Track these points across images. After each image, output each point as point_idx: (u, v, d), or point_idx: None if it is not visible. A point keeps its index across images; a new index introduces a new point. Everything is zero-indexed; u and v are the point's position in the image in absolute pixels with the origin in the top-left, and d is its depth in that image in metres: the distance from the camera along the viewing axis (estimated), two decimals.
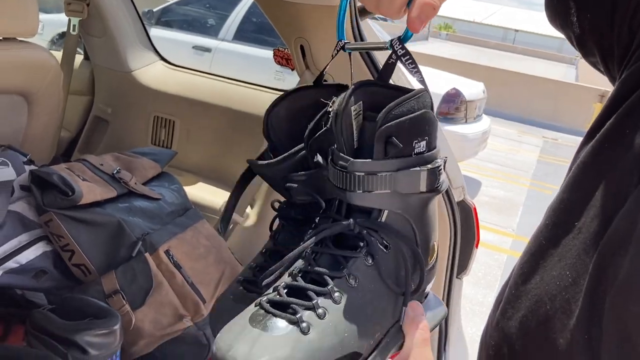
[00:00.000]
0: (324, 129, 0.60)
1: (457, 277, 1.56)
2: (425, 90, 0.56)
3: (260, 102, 1.77)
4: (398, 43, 0.57)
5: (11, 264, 1.15)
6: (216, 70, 2.04)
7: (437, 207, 1.41)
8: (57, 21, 3.44)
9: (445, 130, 4.66)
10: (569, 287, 0.54)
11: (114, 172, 1.34)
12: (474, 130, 5.35)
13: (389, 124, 0.53)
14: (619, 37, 0.58)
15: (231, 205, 0.74)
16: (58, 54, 1.87)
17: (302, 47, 1.37)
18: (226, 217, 0.74)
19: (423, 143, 0.56)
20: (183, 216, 1.37)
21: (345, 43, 0.62)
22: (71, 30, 1.89)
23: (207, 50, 5.47)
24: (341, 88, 0.66)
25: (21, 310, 1.17)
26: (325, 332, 0.53)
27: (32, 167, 1.29)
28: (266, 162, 0.68)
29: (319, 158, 0.59)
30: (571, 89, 10.14)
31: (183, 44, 5.45)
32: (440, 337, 1.56)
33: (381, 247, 0.57)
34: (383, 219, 0.57)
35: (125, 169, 1.39)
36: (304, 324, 0.52)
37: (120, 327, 0.98)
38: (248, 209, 1.64)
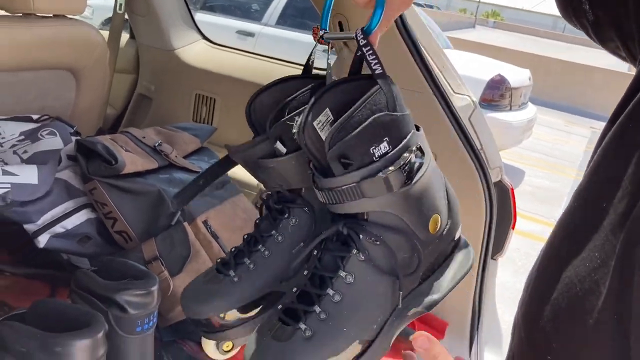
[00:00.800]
0: (286, 117, 0.64)
1: (492, 258, 1.55)
2: (381, 87, 0.58)
3: None
4: (360, 33, 0.59)
5: (58, 228, 1.21)
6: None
7: (470, 185, 1.41)
8: (107, 6, 3.54)
9: (488, 118, 4.58)
10: (597, 269, 0.54)
11: (156, 145, 1.39)
12: (518, 118, 5.25)
13: (335, 146, 0.56)
14: (636, 17, 0.57)
15: (196, 186, 0.78)
16: (105, 33, 1.93)
17: (340, 24, 1.37)
18: (184, 195, 0.78)
19: (383, 145, 0.58)
20: (221, 189, 1.41)
21: (324, 32, 0.65)
22: (117, 9, 1.95)
23: (251, 34, 5.52)
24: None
25: (66, 274, 1.23)
26: (328, 332, 0.59)
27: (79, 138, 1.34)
28: (238, 146, 0.71)
29: (279, 145, 0.63)
30: (621, 78, 9.81)
31: (227, 28, 5.51)
32: (473, 317, 1.56)
33: (370, 242, 0.60)
34: (367, 218, 0.60)
35: (167, 143, 1.43)
36: (307, 330, 0.59)
37: (157, 289, 1.02)
38: None
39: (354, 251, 0.61)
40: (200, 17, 5.39)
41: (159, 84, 2.01)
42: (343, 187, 0.58)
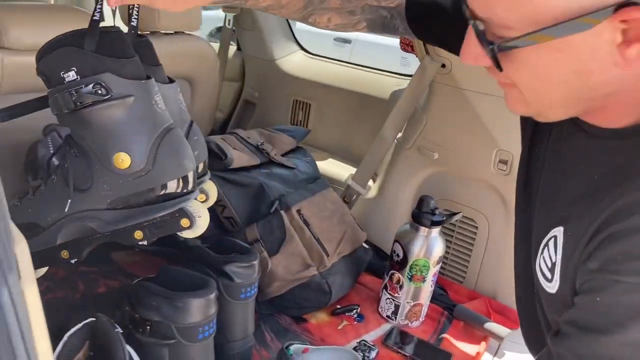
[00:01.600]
0: None
1: None
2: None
3: (385, 86, 1.93)
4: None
5: None
6: (355, 60, 2.24)
7: None
8: (214, 17, 3.87)
9: None
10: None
11: (258, 144, 1.60)
12: None
13: (38, 64, 0.86)
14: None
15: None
16: (215, 45, 2.18)
17: None
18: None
19: (71, 73, 0.83)
20: (313, 184, 1.59)
21: None
22: (226, 24, 2.20)
23: (347, 42, 5.72)
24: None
25: (181, 251, 1.45)
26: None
27: None
28: None
29: None
30: None
31: (325, 36, 5.74)
32: None
33: (70, 152, 0.89)
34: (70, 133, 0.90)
35: (267, 142, 1.64)
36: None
37: (258, 263, 1.21)
38: (370, 182, 1.82)
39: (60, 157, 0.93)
40: (300, 25, 5.65)
41: (262, 91, 2.24)
42: (51, 99, 0.85)
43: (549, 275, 0.66)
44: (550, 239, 0.68)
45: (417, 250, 1.43)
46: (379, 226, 1.78)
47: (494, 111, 1.54)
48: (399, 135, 1.78)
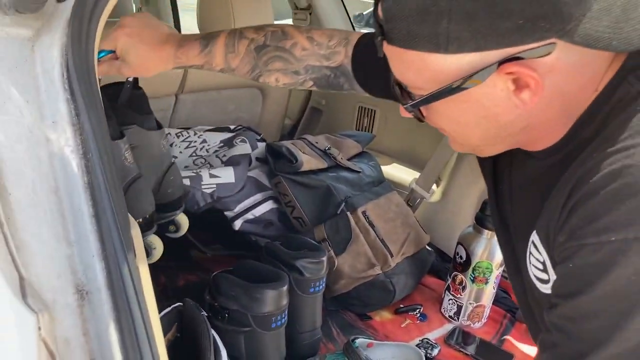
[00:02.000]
0: None
1: None
2: None
3: None
4: None
5: (248, 215, 1.54)
6: None
7: None
8: None
9: None
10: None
11: (326, 149, 1.68)
12: None
13: None
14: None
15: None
16: None
17: None
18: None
19: None
20: (378, 187, 1.66)
21: None
22: None
23: None
24: None
25: (251, 252, 1.55)
26: None
27: (263, 143, 1.68)
28: None
29: None
30: None
31: None
32: None
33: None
34: None
35: (334, 147, 1.72)
36: None
37: (326, 260, 1.29)
38: (434, 187, 1.87)
39: None
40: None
41: (328, 98, 2.32)
42: None
43: (545, 276, 0.71)
44: (530, 246, 0.74)
45: (480, 252, 1.47)
46: (442, 229, 1.82)
47: None
48: None
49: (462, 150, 0.79)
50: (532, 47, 0.58)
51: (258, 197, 1.56)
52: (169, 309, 0.96)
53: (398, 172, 2.04)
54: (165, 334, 0.95)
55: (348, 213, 1.51)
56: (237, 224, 1.52)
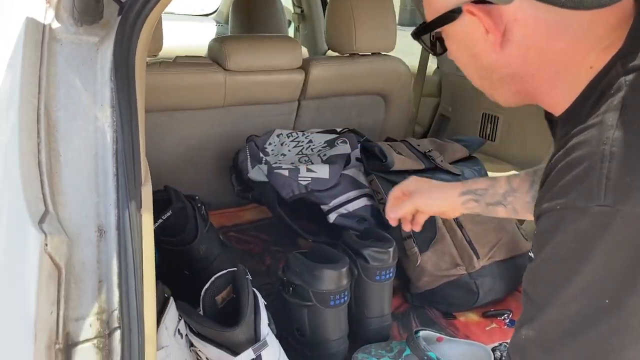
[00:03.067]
0: None
1: None
2: None
3: None
4: None
5: (342, 210, 1.67)
6: None
7: None
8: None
9: None
10: None
11: (426, 151, 1.74)
12: None
13: None
14: None
15: None
16: (415, 64, 2.37)
17: None
18: None
19: None
20: None
21: None
22: None
23: None
24: None
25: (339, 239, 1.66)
26: None
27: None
28: None
29: None
30: None
31: None
32: None
33: None
34: None
35: (437, 150, 1.77)
36: None
37: (394, 250, 1.37)
38: None
39: None
40: None
41: (455, 105, 2.35)
42: None
43: None
44: None
45: None
46: None
47: None
48: None
49: (481, 89, 0.85)
50: None
51: (352, 193, 1.68)
52: (224, 271, 1.13)
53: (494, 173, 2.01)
54: (219, 292, 1.13)
55: None
56: (332, 217, 1.65)
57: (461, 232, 1.55)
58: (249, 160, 1.70)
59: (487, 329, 1.53)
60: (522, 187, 1.11)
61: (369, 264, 1.35)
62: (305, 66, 1.94)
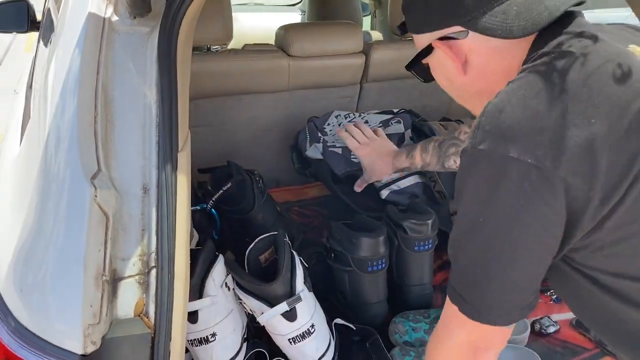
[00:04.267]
0: None
1: None
2: None
3: None
4: None
5: (394, 187, 1.75)
6: None
7: None
8: None
9: None
10: None
11: None
12: None
13: None
14: None
15: None
16: None
17: None
18: None
19: None
20: None
21: None
22: None
23: None
24: None
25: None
26: None
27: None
28: None
29: None
30: None
31: None
32: None
33: None
34: None
35: None
36: None
37: (432, 222, 1.44)
38: None
39: None
40: None
41: None
42: None
43: None
44: None
45: None
46: None
47: None
48: None
49: (463, 105, 1.02)
50: (449, 32, 0.87)
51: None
52: (267, 235, 1.27)
53: None
54: (262, 252, 1.27)
55: None
56: (384, 194, 1.74)
57: None
58: (307, 140, 1.82)
59: None
60: (432, 161, 1.52)
61: (407, 235, 1.44)
62: (366, 50, 2.02)
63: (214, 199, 1.53)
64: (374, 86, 2.13)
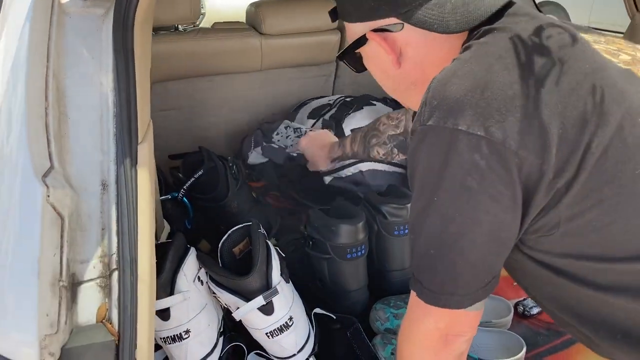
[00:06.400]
0: None
1: None
2: None
3: None
4: None
5: (336, 175, 1.70)
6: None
7: None
8: None
9: None
10: None
11: None
12: None
13: None
14: None
15: None
16: None
17: None
18: None
19: None
20: None
21: None
22: None
23: None
24: None
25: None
26: None
27: None
28: None
29: None
30: None
31: None
32: None
33: None
34: None
35: None
36: None
37: None
38: None
39: None
40: None
41: None
42: None
43: None
44: None
45: None
46: None
47: None
48: None
49: (397, 99, 1.00)
50: (384, 24, 0.84)
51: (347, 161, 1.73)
52: (241, 225, 1.21)
53: None
54: (237, 245, 1.22)
55: None
56: (327, 179, 1.72)
57: None
58: (252, 147, 1.80)
59: (514, 284, 1.53)
60: (359, 150, 1.56)
61: (387, 220, 1.39)
62: (340, 26, 1.96)
63: (185, 187, 1.48)
64: None
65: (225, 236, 1.20)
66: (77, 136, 0.86)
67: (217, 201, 1.51)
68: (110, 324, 0.80)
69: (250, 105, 1.97)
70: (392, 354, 1.24)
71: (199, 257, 1.16)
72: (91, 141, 0.86)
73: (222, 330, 1.22)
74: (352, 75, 2.10)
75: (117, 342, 0.79)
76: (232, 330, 1.29)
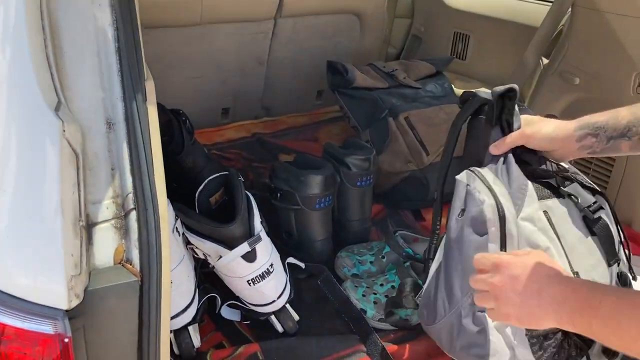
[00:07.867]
0: None
1: None
2: None
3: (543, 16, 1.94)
4: None
5: None
6: None
7: None
8: None
9: None
10: None
11: (391, 71, 1.81)
12: None
13: None
14: None
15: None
16: None
17: None
18: None
19: None
20: (435, 99, 1.76)
21: None
22: None
23: None
24: None
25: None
26: None
27: None
28: None
29: None
30: None
31: None
32: None
33: None
34: None
35: (403, 70, 1.84)
36: None
37: (373, 158, 1.45)
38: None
39: None
40: None
41: (427, 26, 2.39)
42: None
43: None
44: None
45: None
46: None
47: (634, 33, 1.52)
48: (546, 62, 1.82)
49: None
50: None
51: None
52: (217, 174, 1.20)
53: None
54: (212, 194, 1.20)
55: (390, 118, 1.66)
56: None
57: (412, 133, 1.63)
58: None
59: None
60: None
61: (351, 171, 1.43)
62: None
63: None
64: (288, 22, 2.05)
65: (202, 186, 1.18)
66: (74, 72, 0.81)
67: (173, 156, 1.46)
68: (131, 264, 0.77)
69: (186, 61, 1.90)
70: (364, 295, 1.29)
71: (177, 208, 1.13)
72: (90, 78, 0.81)
73: (197, 282, 1.21)
74: (289, 34, 2.10)
75: (140, 282, 0.76)
76: (204, 282, 1.28)
